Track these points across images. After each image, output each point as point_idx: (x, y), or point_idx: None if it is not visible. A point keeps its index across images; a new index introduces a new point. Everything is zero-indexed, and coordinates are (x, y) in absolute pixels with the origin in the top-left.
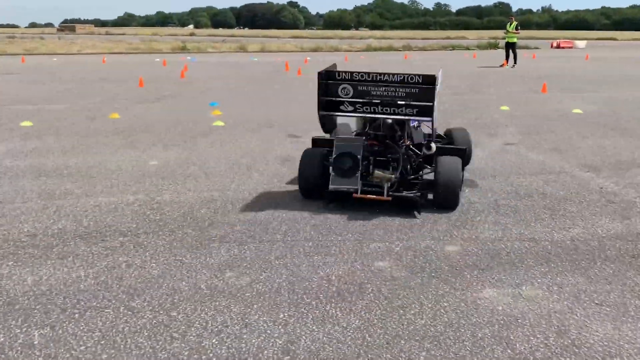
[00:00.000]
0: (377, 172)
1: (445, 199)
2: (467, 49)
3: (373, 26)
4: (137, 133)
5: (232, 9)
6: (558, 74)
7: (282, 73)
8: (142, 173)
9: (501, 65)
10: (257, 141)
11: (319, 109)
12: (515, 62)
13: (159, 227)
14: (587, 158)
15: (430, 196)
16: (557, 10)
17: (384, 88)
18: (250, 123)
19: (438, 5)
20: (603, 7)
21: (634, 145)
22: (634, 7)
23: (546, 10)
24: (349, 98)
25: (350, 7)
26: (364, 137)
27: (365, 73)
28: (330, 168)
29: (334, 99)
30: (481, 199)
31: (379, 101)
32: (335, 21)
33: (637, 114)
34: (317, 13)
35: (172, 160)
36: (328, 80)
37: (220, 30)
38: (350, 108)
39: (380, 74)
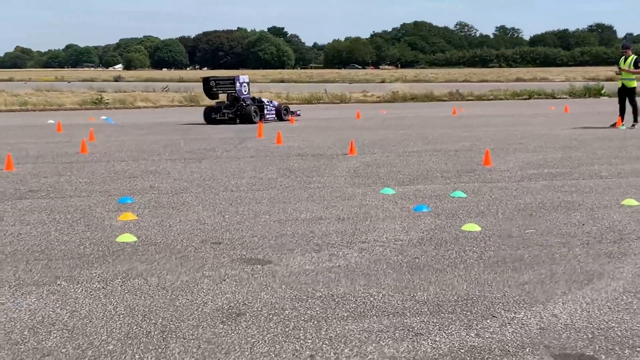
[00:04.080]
0: None
1: None
2: (553, 97)
3: (402, 62)
4: None
5: (183, 39)
6: None
7: (253, 140)
8: None
9: (613, 125)
10: (185, 275)
11: None
12: (636, 120)
13: None
14: None
15: None
16: None
17: None
18: (181, 236)
19: (502, 30)
20: None
21: None
22: None
23: None
24: None
25: (365, 35)
26: None
27: None
28: None
29: None
30: None
31: None
32: (341, 56)
33: None
34: (315, 45)
35: (22, 324)
36: None
37: (164, 72)
38: None
39: None
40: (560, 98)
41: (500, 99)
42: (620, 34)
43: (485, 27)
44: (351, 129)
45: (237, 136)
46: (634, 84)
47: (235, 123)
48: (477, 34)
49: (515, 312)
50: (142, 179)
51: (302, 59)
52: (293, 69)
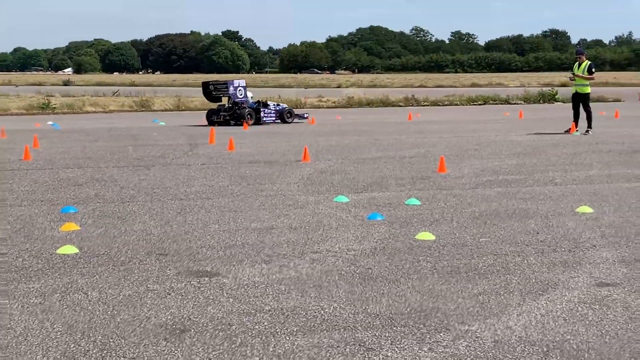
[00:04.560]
0: None
1: None
2: (508, 102)
3: (358, 67)
4: None
5: (135, 43)
6: None
7: (205, 147)
8: None
9: (567, 131)
10: (128, 289)
11: None
12: (590, 126)
13: None
14: None
15: None
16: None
17: None
18: (125, 248)
19: (458, 35)
20: None
21: None
22: None
23: (623, 41)
24: None
25: (321, 39)
26: None
27: None
28: None
29: None
30: None
31: None
32: (297, 60)
33: None
34: (270, 49)
35: None
36: None
37: (115, 76)
38: None
39: None
40: (515, 104)
41: (456, 105)
42: (574, 40)
43: (441, 32)
44: (305, 135)
45: (188, 142)
46: (588, 89)
47: (229, 125)
48: (433, 39)
49: (469, 325)
50: (87, 188)
51: (257, 63)
52: (248, 73)
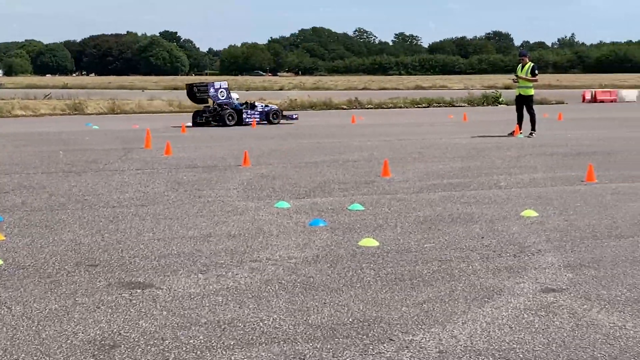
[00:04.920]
0: None
1: None
2: (452, 105)
3: (301, 69)
4: None
5: (68, 44)
6: (607, 148)
7: (140, 151)
8: None
9: (511, 134)
10: (55, 303)
11: None
12: (533, 129)
13: None
14: None
15: None
16: (582, 44)
17: None
18: (53, 259)
19: (401, 37)
20: None
21: None
22: None
23: (566, 43)
24: None
25: (262, 41)
26: None
27: None
28: None
29: None
30: None
31: None
32: (238, 62)
33: None
34: (210, 50)
35: None
36: None
37: (47, 79)
38: None
39: None
40: (459, 106)
41: (400, 107)
42: (517, 42)
43: (385, 34)
44: (246, 139)
45: (122, 147)
46: (532, 92)
47: (210, 125)
48: (377, 41)
49: (414, 335)
50: (13, 195)
51: (196, 65)
52: (187, 75)
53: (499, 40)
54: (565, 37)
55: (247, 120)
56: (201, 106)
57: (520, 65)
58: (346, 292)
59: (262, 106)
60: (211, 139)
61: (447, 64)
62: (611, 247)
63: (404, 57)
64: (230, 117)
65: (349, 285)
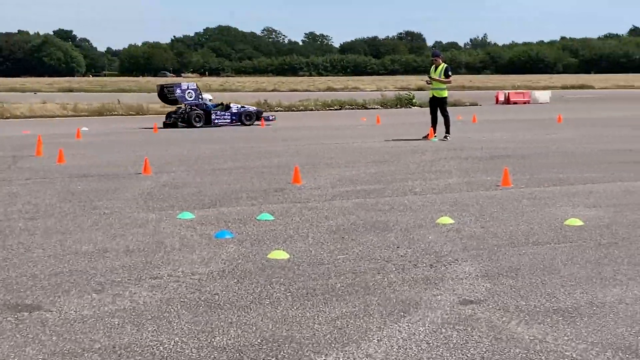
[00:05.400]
0: None
1: None
2: (365, 107)
3: (206, 70)
4: None
5: None
6: (521, 151)
7: (29, 159)
8: None
9: (426, 137)
10: None
11: None
12: (447, 132)
13: None
14: None
15: None
16: (494, 44)
17: None
18: None
19: (311, 37)
20: (564, 39)
21: None
22: (609, 37)
23: (478, 43)
24: None
25: (165, 40)
26: None
27: None
28: None
29: None
30: None
31: None
32: (139, 62)
33: None
34: (108, 50)
35: None
36: None
37: None
38: None
39: None
40: (372, 108)
41: (311, 110)
42: (430, 42)
43: (294, 34)
44: (147, 144)
45: (11, 154)
46: (445, 93)
47: (177, 127)
48: (286, 41)
49: (326, 355)
50: None
51: (94, 65)
52: (84, 76)
53: (412, 40)
54: (478, 37)
55: (216, 121)
56: (173, 108)
57: (433, 66)
58: (254, 309)
59: (237, 107)
60: (110, 145)
61: (358, 64)
62: (529, 255)
63: (314, 58)
64: (197, 118)
65: (257, 302)
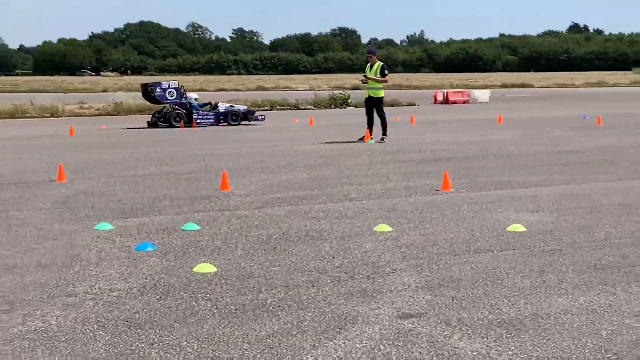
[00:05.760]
0: None
1: None
2: (297, 107)
3: (128, 69)
4: None
5: None
6: (462, 153)
7: None
8: None
9: (361, 139)
10: None
11: None
12: (384, 134)
13: None
14: None
15: None
16: (432, 41)
17: None
18: None
19: (240, 33)
20: (503, 36)
21: None
22: (548, 34)
23: (415, 40)
24: None
25: (82, 37)
26: None
27: None
28: None
29: None
30: None
31: None
32: (54, 60)
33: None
34: (21, 47)
35: None
36: None
37: None
38: None
39: None
40: (304, 109)
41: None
42: (365, 39)
43: (222, 30)
44: (61, 149)
45: None
46: (382, 93)
47: (157, 127)
48: (213, 37)
49: None
50: None
51: (5, 64)
52: None
53: (346, 37)
54: (415, 34)
55: (198, 121)
56: (160, 106)
57: (368, 64)
58: (178, 329)
59: (225, 107)
60: (22, 149)
61: (290, 62)
62: (470, 264)
63: (243, 55)
64: (177, 118)
65: (181, 321)
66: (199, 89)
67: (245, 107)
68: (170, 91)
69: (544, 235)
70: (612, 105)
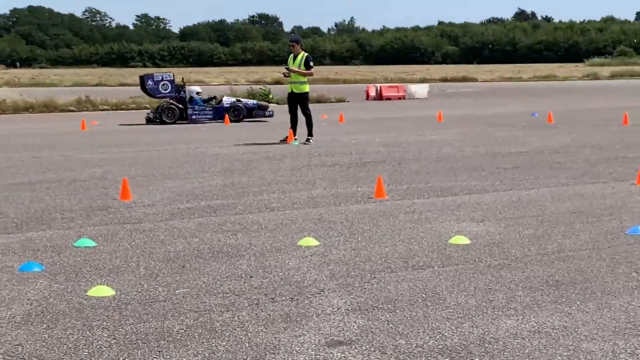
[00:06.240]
0: None
1: None
2: None
3: (15, 61)
4: None
5: None
6: (397, 156)
7: None
8: None
9: (284, 140)
10: None
11: None
12: (310, 134)
13: None
14: None
15: None
16: (363, 30)
17: None
18: None
19: (145, 20)
20: (442, 24)
21: None
22: (492, 22)
23: (344, 28)
24: None
25: None
26: None
27: None
28: None
29: None
30: None
31: None
32: None
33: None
34: None
35: None
36: None
37: None
38: None
39: None
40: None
41: (146, 108)
42: (288, 27)
43: (123, 17)
44: None
45: None
46: (306, 88)
47: (151, 123)
48: (114, 24)
49: None
50: None
51: None
52: None
53: (266, 24)
54: (344, 21)
55: (193, 117)
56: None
57: (292, 55)
58: None
59: (230, 101)
60: None
61: (203, 53)
62: (408, 282)
63: (149, 45)
64: (169, 114)
65: (72, 354)
66: (97, 83)
67: (255, 101)
68: (164, 84)
69: (490, 248)
70: (564, 100)
